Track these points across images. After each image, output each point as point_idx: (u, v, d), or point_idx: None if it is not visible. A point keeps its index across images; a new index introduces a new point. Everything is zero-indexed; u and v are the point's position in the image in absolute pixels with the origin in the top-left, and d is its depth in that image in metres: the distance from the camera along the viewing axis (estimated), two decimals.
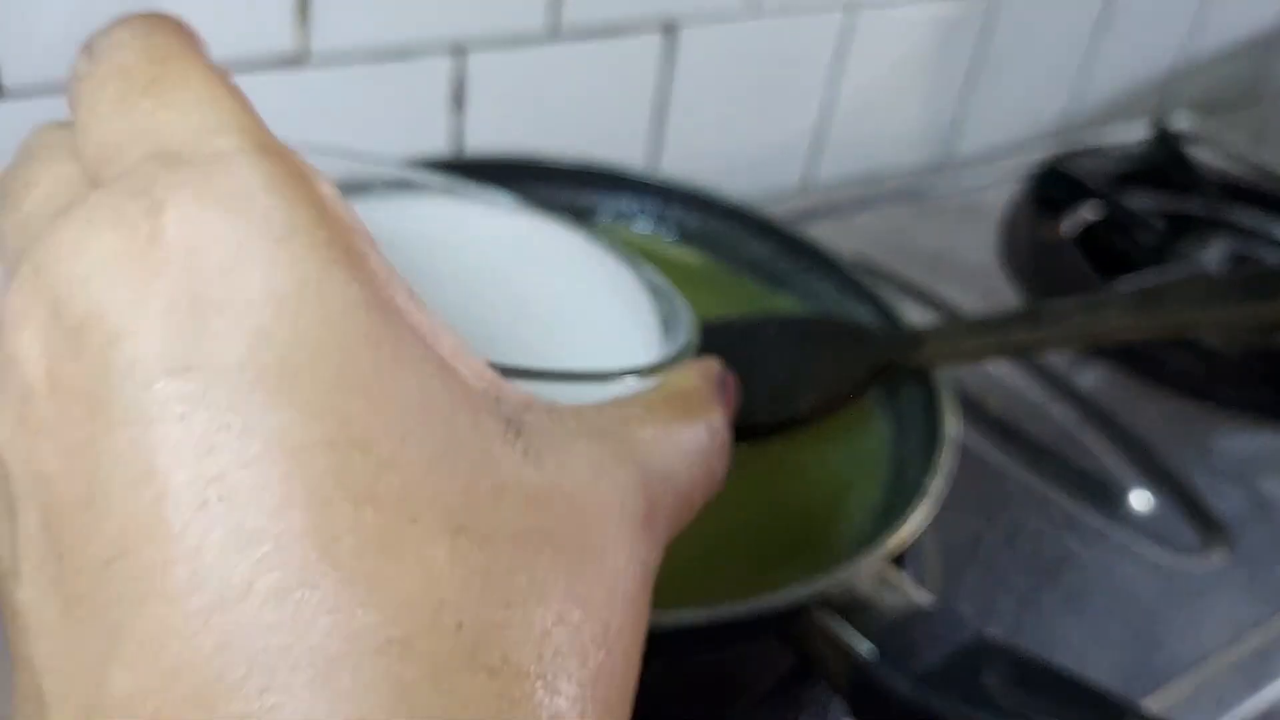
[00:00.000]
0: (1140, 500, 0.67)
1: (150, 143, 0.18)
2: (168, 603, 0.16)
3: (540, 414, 0.20)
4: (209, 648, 0.15)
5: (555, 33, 0.77)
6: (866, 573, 0.44)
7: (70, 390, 0.17)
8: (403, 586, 0.16)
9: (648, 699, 0.49)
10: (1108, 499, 0.67)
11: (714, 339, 0.54)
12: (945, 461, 0.49)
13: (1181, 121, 1.21)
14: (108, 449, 0.16)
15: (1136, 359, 0.79)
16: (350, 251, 0.18)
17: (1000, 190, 1.01)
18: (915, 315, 0.79)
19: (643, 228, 0.67)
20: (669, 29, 0.83)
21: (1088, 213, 0.98)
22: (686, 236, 0.66)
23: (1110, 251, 0.93)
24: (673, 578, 0.44)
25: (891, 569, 0.45)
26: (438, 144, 0.76)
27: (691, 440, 0.24)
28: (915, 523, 0.46)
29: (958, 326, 0.58)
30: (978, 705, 0.39)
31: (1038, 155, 1.03)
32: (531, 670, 0.17)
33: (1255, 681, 0.56)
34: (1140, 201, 0.97)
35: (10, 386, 0.17)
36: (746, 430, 0.47)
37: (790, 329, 0.57)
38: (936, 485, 0.48)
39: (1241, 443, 0.73)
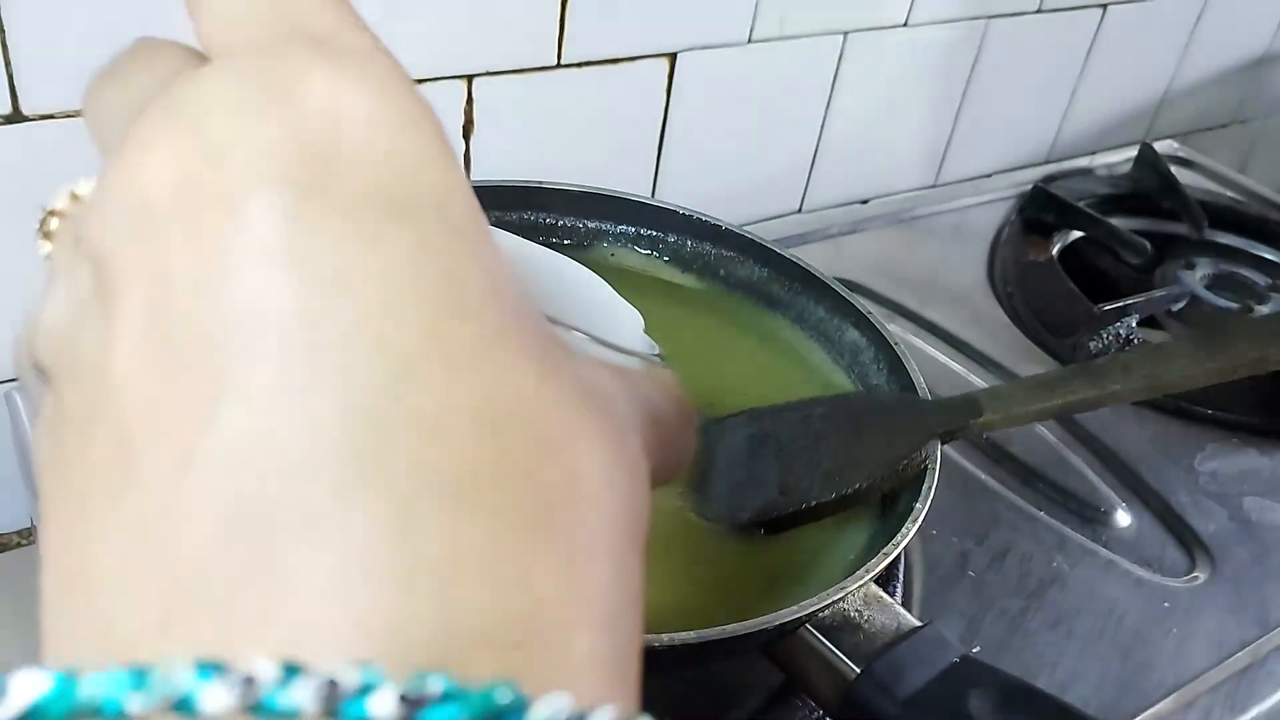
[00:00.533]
0: (1126, 520, 0.68)
1: (291, 25, 0.20)
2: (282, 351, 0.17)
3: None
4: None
5: (560, 62, 0.78)
6: (853, 594, 0.44)
7: (199, 201, 0.18)
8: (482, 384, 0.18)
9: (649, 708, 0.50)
10: (1093, 519, 0.67)
11: (765, 423, 0.51)
12: (929, 485, 0.50)
13: (1168, 145, 1.22)
14: (232, 246, 0.18)
15: None
16: (455, 158, 0.20)
17: (989, 212, 1.02)
18: (906, 337, 0.80)
19: (642, 251, 0.67)
20: (670, 57, 0.84)
21: (1075, 234, 0.99)
22: (683, 260, 0.67)
23: (1096, 273, 0.94)
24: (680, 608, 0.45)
25: (878, 591, 0.46)
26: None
27: (683, 411, 0.25)
28: (899, 545, 0.46)
29: (1015, 390, 0.55)
30: None
31: (1027, 179, 1.04)
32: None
33: (1241, 702, 0.57)
34: (1127, 223, 0.98)
35: (129, 199, 0.19)
36: (802, 514, 0.48)
37: (840, 409, 0.53)
38: (920, 509, 0.48)
39: (1225, 463, 0.73)
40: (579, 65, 0.80)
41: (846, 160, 1.04)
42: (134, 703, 0.14)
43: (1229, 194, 1.12)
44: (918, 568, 0.61)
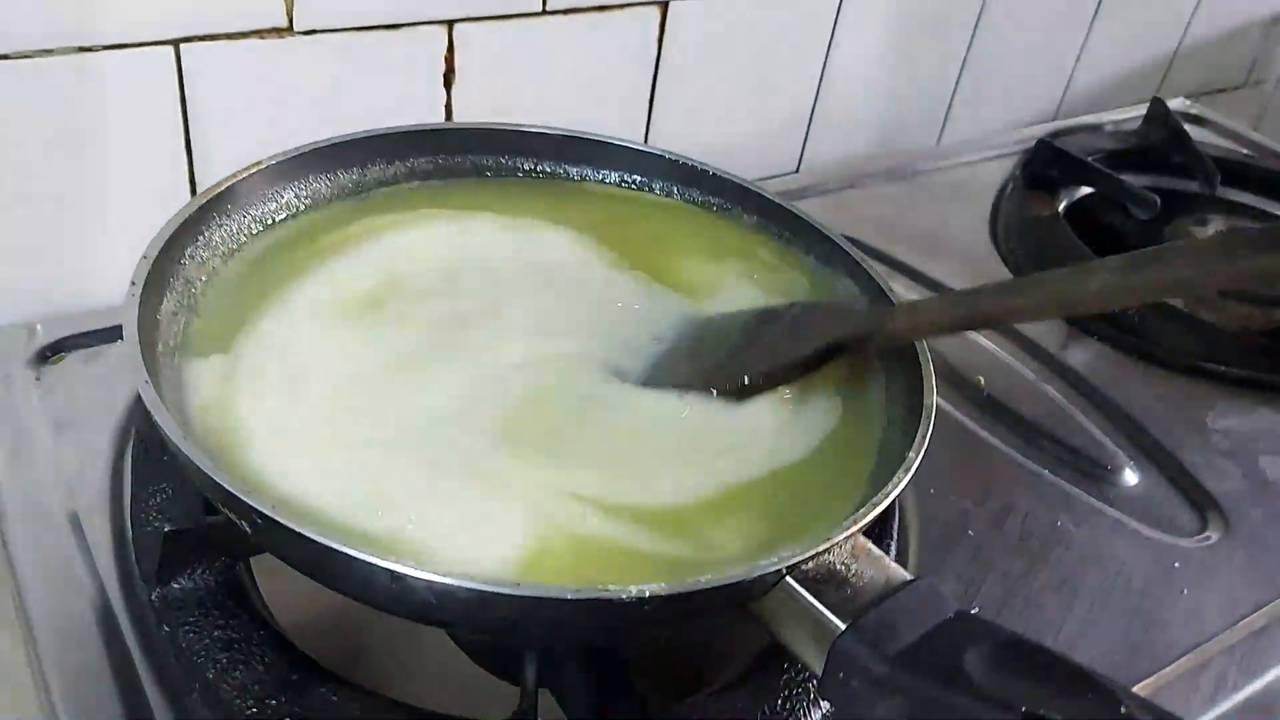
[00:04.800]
0: (1133, 479, 0.64)
1: None
2: None
3: None
4: None
5: (545, 8, 0.75)
6: (841, 547, 0.41)
7: None
8: None
9: (617, 687, 0.47)
10: (1100, 477, 0.64)
11: (700, 328, 0.54)
12: (924, 433, 0.46)
13: (1179, 103, 1.18)
14: None
15: (1128, 335, 0.76)
16: None
17: (992, 169, 0.99)
18: (908, 293, 0.76)
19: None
20: (662, 5, 0.80)
21: (1081, 191, 0.95)
22: (675, 195, 0.64)
23: (1103, 230, 0.90)
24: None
25: (868, 544, 0.42)
26: (428, 115, 0.74)
27: None
28: (890, 494, 0.43)
29: (930, 302, 0.55)
30: (956, 689, 0.36)
31: (1032, 136, 1.01)
32: None
33: (1256, 665, 0.53)
34: (1135, 180, 0.94)
35: None
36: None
37: (770, 311, 0.55)
38: (913, 458, 0.45)
39: (1238, 420, 0.70)
40: (565, 12, 0.76)
41: (846, 115, 1.00)
42: None
43: (1242, 151, 1.08)
44: (913, 527, 0.58)
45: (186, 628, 0.44)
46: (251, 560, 0.49)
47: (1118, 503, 0.62)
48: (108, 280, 0.65)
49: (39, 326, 0.60)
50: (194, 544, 0.45)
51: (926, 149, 1.04)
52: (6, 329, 0.60)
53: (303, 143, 0.57)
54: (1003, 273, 0.83)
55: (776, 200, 0.62)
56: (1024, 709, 0.35)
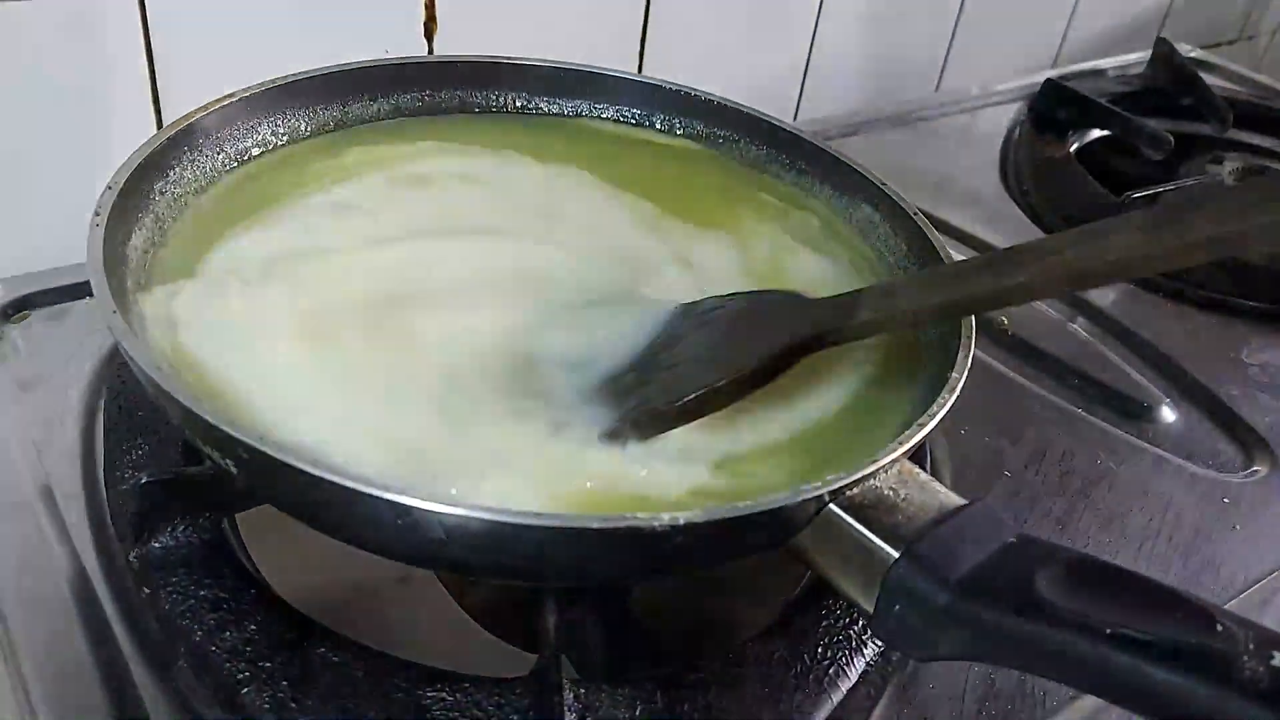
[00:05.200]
0: (1171, 416, 0.61)
1: None
2: None
3: None
4: None
5: None
6: (886, 471, 0.37)
7: None
8: None
9: (633, 641, 0.43)
10: (1137, 415, 0.61)
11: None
12: (966, 352, 0.43)
13: (1181, 49, 1.15)
14: None
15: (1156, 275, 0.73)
16: None
17: (995, 115, 0.95)
18: None
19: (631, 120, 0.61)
20: None
21: (1091, 134, 0.92)
22: (676, 131, 0.60)
23: (1114, 173, 0.87)
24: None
25: (915, 468, 0.39)
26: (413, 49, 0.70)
27: None
28: (936, 415, 0.39)
29: (906, 285, 0.44)
30: (1029, 614, 0.32)
31: (1033, 84, 0.97)
32: None
33: None
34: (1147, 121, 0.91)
35: None
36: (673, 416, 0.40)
37: (728, 305, 0.46)
38: (957, 378, 0.41)
39: (1274, 354, 0.67)
40: None
41: (846, 64, 0.97)
42: None
43: (1249, 94, 1.05)
44: (946, 467, 0.54)
45: (169, 588, 0.40)
46: (237, 520, 0.45)
47: (1158, 440, 0.59)
48: (71, 236, 0.61)
49: (1, 284, 0.56)
50: (174, 495, 0.41)
51: (924, 97, 1.00)
52: None
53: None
54: (1018, 216, 0.80)
55: (789, 128, 0.58)
56: (1108, 631, 0.31)
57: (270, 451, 0.32)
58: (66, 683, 0.38)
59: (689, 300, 0.46)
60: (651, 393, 0.41)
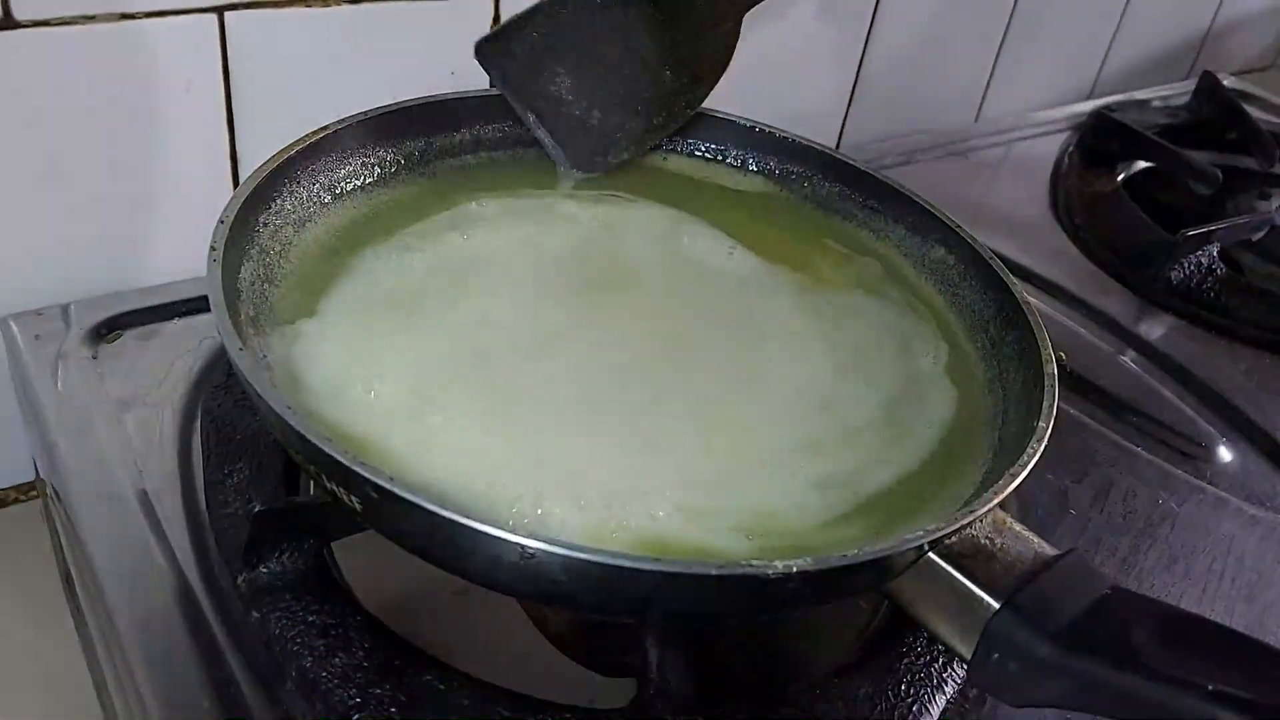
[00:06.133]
0: (1228, 455, 0.62)
1: None
2: None
3: None
4: None
5: None
6: (982, 520, 0.38)
7: None
8: None
9: (726, 672, 0.44)
10: (1194, 455, 0.62)
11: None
12: (1050, 400, 0.44)
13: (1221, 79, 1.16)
14: None
15: (1206, 311, 0.74)
16: None
17: (1037, 146, 0.96)
18: None
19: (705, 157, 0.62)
20: None
21: (1138, 165, 0.93)
22: (750, 168, 0.62)
23: (1160, 207, 0.88)
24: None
25: (1008, 517, 0.40)
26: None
27: None
28: (1027, 465, 0.40)
29: None
30: (1129, 668, 0.34)
31: (1075, 114, 0.98)
32: None
33: None
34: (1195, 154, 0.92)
35: None
36: None
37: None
38: (1045, 427, 0.43)
39: None
40: None
41: (890, 94, 0.98)
42: None
43: None
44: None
45: (278, 614, 0.42)
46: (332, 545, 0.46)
47: (1216, 480, 0.60)
48: (158, 258, 0.62)
49: (92, 305, 0.58)
50: (283, 525, 0.42)
51: (966, 127, 1.01)
52: (60, 309, 0.57)
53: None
54: (1070, 250, 0.81)
55: (862, 168, 0.59)
56: (1210, 688, 0.32)
57: (403, 494, 0.34)
58: (181, 701, 0.40)
59: None
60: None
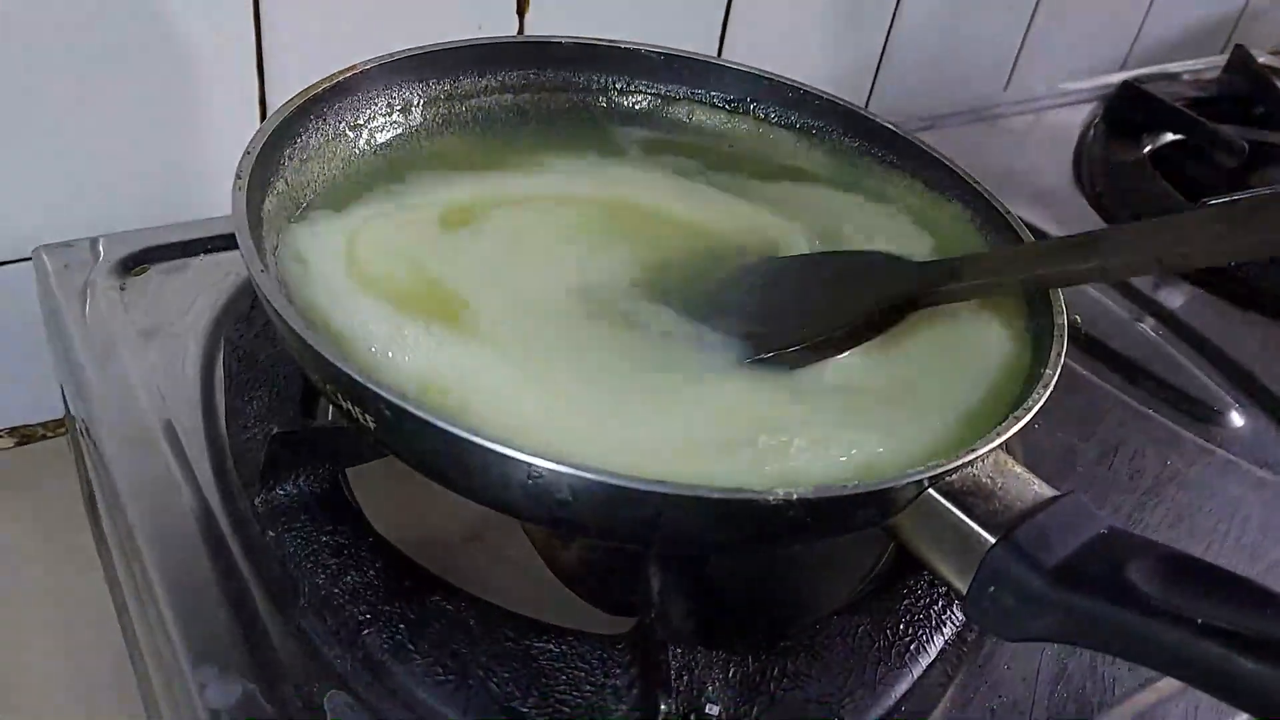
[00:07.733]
0: (1240, 421, 0.62)
1: None
2: None
3: None
4: None
5: None
6: (984, 460, 0.39)
7: None
8: None
9: (727, 607, 0.45)
10: (1206, 419, 0.62)
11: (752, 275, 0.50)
12: (1059, 349, 0.44)
13: (1257, 54, 1.15)
14: None
15: (1224, 280, 0.74)
16: None
17: (1066, 115, 0.96)
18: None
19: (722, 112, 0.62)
20: None
21: (1164, 138, 0.92)
22: (772, 120, 0.62)
23: (1185, 179, 0.88)
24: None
25: (1009, 459, 0.40)
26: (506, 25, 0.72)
27: None
28: (1031, 409, 0.41)
29: (998, 257, 0.50)
30: (1122, 602, 0.34)
31: (1106, 85, 0.98)
32: None
33: None
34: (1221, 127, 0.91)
35: None
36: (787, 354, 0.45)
37: (824, 263, 0.51)
38: (1050, 373, 0.43)
39: None
40: None
41: (916, 62, 0.98)
42: None
43: None
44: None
45: (293, 533, 0.43)
46: (346, 471, 0.47)
47: (1227, 444, 0.60)
48: (186, 195, 0.64)
49: (122, 239, 0.59)
50: (300, 447, 0.43)
51: (994, 94, 1.01)
52: (89, 242, 0.58)
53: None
54: (1091, 216, 0.81)
55: (883, 122, 0.60)
56: (1199, 621, 0.33)
57: (415, 410, 0.35)
58: (198, 615, 0.41)
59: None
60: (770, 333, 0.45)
